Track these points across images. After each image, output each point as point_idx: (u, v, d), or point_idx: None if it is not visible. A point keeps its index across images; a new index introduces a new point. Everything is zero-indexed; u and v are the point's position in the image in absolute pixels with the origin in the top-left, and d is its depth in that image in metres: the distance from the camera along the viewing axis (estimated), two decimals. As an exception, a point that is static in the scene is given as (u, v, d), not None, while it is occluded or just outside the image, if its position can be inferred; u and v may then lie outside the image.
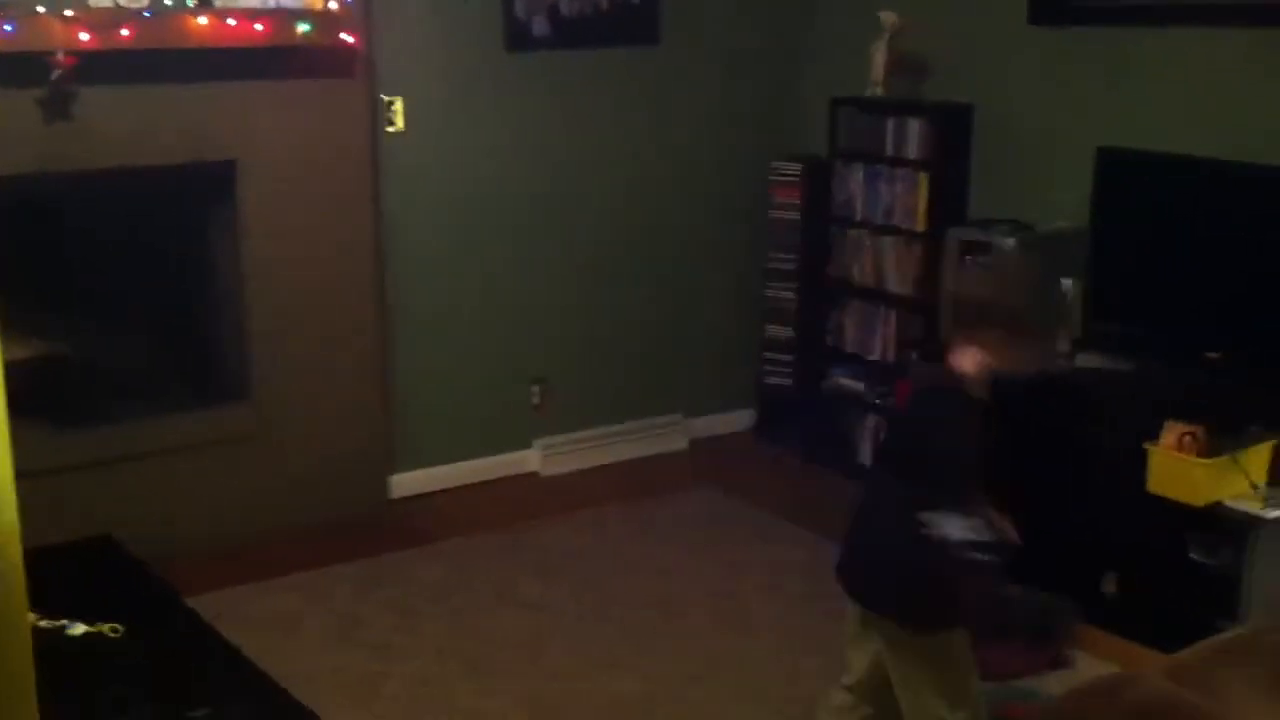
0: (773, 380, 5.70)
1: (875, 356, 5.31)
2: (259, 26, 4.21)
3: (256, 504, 4.61)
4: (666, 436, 5.63)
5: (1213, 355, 4.04)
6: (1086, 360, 4.34)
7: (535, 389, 5.33)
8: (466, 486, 5.16)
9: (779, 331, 5.65)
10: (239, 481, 4.60)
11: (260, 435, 4.63)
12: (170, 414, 4.57)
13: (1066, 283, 4.44)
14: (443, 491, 5.10)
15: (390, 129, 4.79)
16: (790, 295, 5.59)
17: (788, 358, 5.64)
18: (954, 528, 2.66)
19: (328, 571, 4.39)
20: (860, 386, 5.39)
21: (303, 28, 4.29)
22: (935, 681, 2.85)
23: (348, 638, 3.98)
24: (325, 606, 4.17)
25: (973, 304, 2.84)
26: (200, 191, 4.55)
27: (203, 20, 4.11)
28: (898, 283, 5.18)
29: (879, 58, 5.18)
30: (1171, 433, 3.90)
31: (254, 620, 3.92)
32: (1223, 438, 3.86)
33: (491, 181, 5.10)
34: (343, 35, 4.39)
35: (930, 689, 2.85)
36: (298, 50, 4.36)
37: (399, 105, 4.79)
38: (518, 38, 5.04)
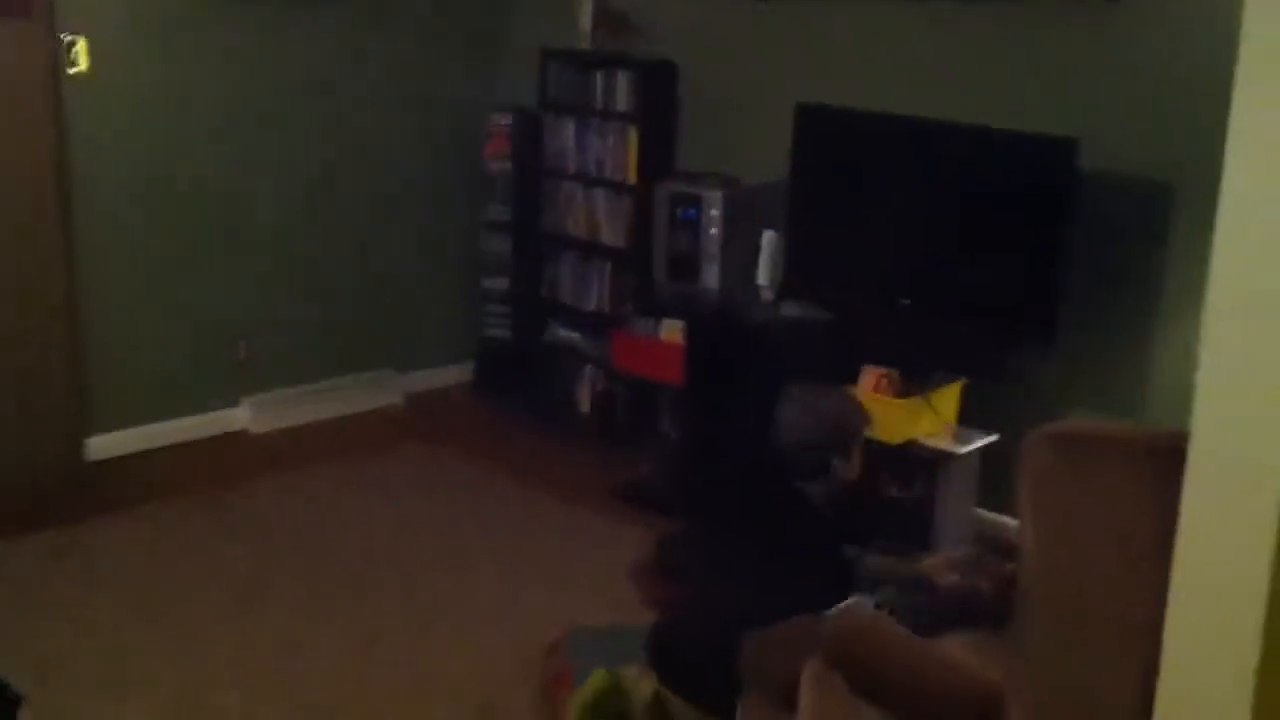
0: (491, 332, 5.67)
1: (591, 308, 5.35)
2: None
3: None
4: (381, 391, 5.54)
5: (904, 302, 4.26)
6: (787, 309, 4.51)
7: (242, 344, 5.14)
8: (172, 447, 4.94)
9: (496, 283, 5.62)
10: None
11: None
12: None
13: (769, 234, 4.60)
14: (146, 453, 4.87)
15: (72, 70, 4.49)
16: (506, 247, 5.57)
17: (505, 309, 5.63)
18: None
19: (17, 540, 4.13)
20: (577, 337, 5.43)
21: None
22: None
23: (41, 612, 3.75)
24: (10, 576, 3.92)
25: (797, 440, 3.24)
26: None
27: None
28: (610, 235, 5.24)
29: (585, 10, 5.20)
30: (869, 376, 4.10)
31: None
32: (915, 380, 4.09)
33: (187, 128, 4.86)
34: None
35: None
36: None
37: (82, 45, 4.49)
38: (214, -23, 4.81)
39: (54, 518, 4.29)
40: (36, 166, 4.41)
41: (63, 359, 4.58)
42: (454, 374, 5.81)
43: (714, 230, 4.71)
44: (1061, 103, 4.10)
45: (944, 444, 4.10)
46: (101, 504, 4.43)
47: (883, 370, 4.09)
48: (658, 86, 5.10)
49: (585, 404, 5.44)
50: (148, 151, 4.77)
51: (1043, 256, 3.97)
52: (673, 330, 4.88)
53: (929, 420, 4.09)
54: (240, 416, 5.17)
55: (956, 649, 2.55)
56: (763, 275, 4.64)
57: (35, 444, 4.51)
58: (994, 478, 4.21)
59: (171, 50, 4.76)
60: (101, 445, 4.78)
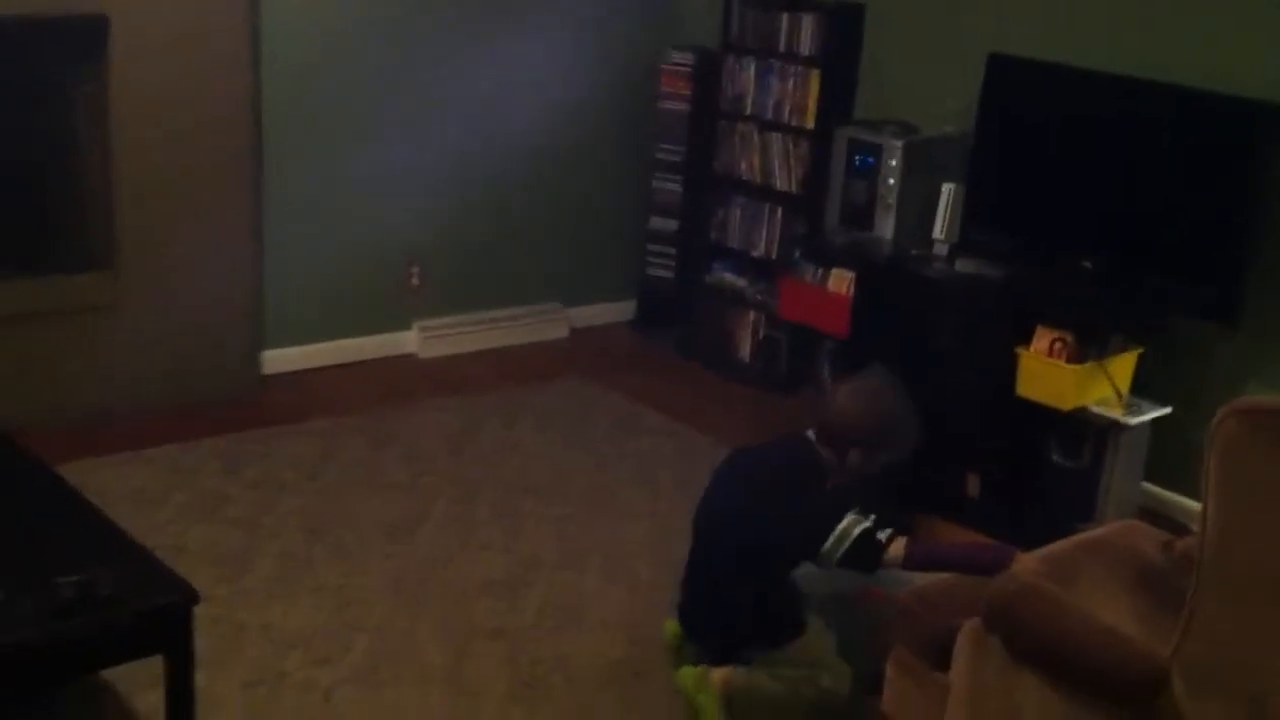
0: (655, 272, 5.69)
1: (759, 253, 5.32)
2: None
3: (119, 377, 4.47)
4: (546, 324, 5.61)
5: (1086, 264, 4.13)
6: (962, 265, 4.41)
7: (415, 270, 5.24)
8: (342, 366, 5.08)
9: (663, 224, 5.63)
10: (100, 353, 4.45)
11: (124, 305, 4.47)
12: (26, 278, 4.37)
13: (949, 186, 4.50)
14: (317, 370, 5.02)
15: (271, -13, 4.61)
16: (676, 188, 5.56)
17: (671, 250, 5.63)
18: None
19: (195, 446, 4.30)
20: (742, 283, 5.41)
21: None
22: None
23: (214, 514, 3.92)
24: (191, 482, 4.09)
25: (837, 421, 3.15)
26: (68, 47, 4.33)
27: None
28: (783, 180, 5.19)
29: (775, -51, 5.12)
30: (1043, 338, 4.00)
31: (116, 494, 3.82)
32: (1090, 345, 3.97)
33: (377, 59, 4.94)
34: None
35: None
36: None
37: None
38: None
39: (230, 427, 4.45)
40: (234, 87, 4.54)
41: (245, 275, 4.73)
42: (618, 311, 5.85)
43: (891, 180, 4.62)
44: (1267, 64, 3.90)
45: (1115, 413, 3.98)
46: (275, 417, 4.59)
47: (1057, 333, 3.98)
48: (843, 30, 5.01)
49: (746, 349, 5.42)
50: (337, 81, 4.87)
51: (1233, 225, 3.81)
52: (841, 280, 4.81)
53: (1102, 388, 3.97)
54: (409, 340, 5.29)
55: (1122, 618, 2.49)
56: (939, 229, 4.54)
57: (215, 355, 4.68)
58: (1164, 451, 4.09)
59: (362, -24, 4.85)
60: (276, 359, 4.94)
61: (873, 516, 2.98)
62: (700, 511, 3.22)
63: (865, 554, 2.96)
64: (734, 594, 3.08)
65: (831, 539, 2.94)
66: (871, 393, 3.17)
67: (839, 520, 2.95)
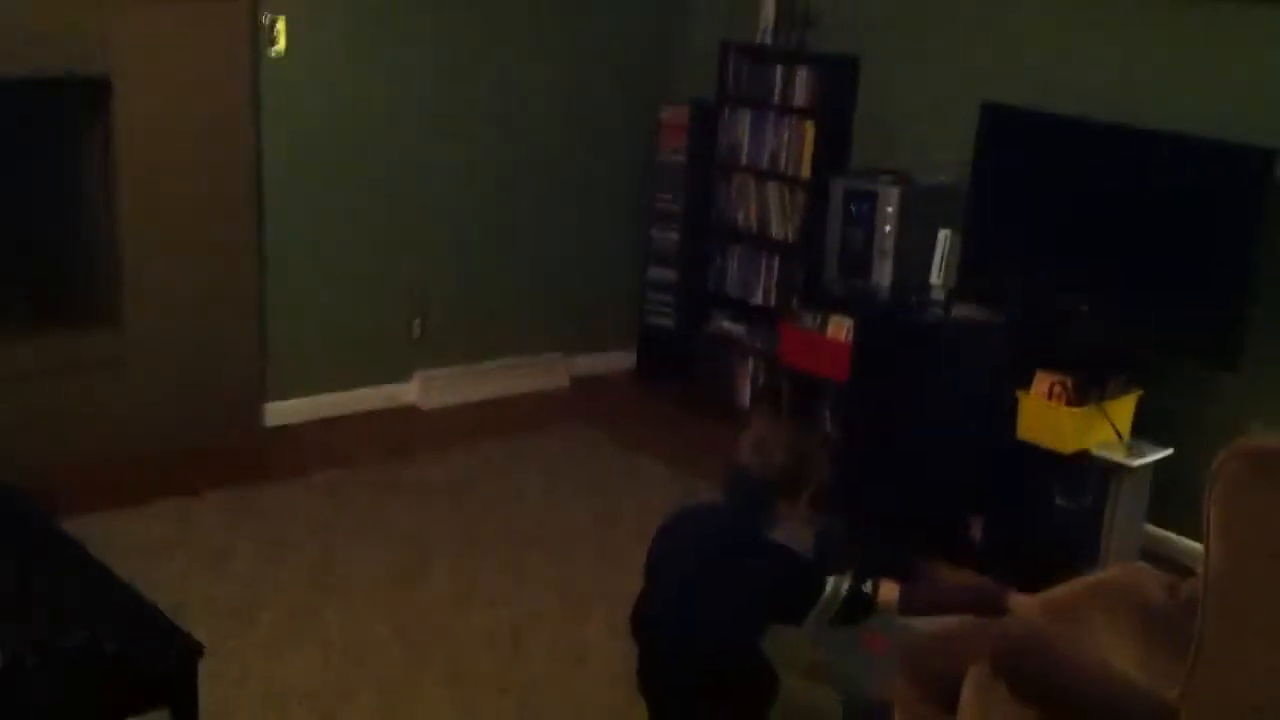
0: (655, 321, 5.72)
1: (757, 301, 5.35)
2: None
3: (125, 430, 4.49)
4: (548, 374, 5.63)
5: (1083, 308, 4.15)
6: (960, 311, 4.44)
7: (417, 322, 5.27)
8: (344, 417, 5.10)
9: (662, 273, 5.66)
10: (107, 407, 4.48)
11: (130, 360, 4.50)
12: (34, 337, 4.41)
13: (945, 233, 4.54)
14: (320, 422, 5.03)
15: (273, 49, 4.66)
16: (674, 237, 5.60)
17: (670, 299, 5.66)
18: None
19: (199, 500, 4.31)
20: (741, 330, 5.44)
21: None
22: None
23: (219, 568, 3.92)
24: (196, 536, 4.09)
25: (754, 479, 2.93)
26: (72, 107, 4.38)
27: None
28: (780, 229, 5.23)
29: (769, 4, 5.19)
30: (1042, 381, 4.01)
31: (121, 548, 3.78)
32: (1089, 388, 3.99)
33: (375, 111, 5.00)
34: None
35: None
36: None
37: (281, 25, 4.66)
38: (407, -37, 4.93)
39: (234, 479, 4.46)
40: (235, 143, 4.59)
41: (249, 330, 4.76)
42: (618, 360, 5.87)
43: (888, 227, 4.66)
44: (1260, 110, 3.95)
45: (1117, 456, 3.99)
46: (278, 469, 4.60)
47: (1057, 376, 4.00)
48: (837, 82, 5.07)
49: (745, 396, 5.44)
50: (336, 133, 4.92)
51: (1230, 268, 3.84)
52: (840, 326, 4.84)
53: (1103, 430, 3.99)
54: (411, 391, 5.30)
55: (1127, 661, 2.49)
56: (936, 275, 4.58)
57: (219, 408, 4.70)
58: (1166, 493, 4.09)
59: (361, 32, 4.90)
60: (279, 411, 4.96)
61: (849, 572, 2.91)
62: (649, 618, 2.99)
63: (858, 610, 2.89)
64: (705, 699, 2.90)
65: (817, 609, 2.85)
66: (766, 441, 2.97)
67: (823, 586, 2.85)
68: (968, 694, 2.58)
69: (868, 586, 2.90)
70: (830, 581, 2.86)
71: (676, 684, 2.93)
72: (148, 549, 3.94)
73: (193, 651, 2.66)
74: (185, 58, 4.40)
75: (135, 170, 4.39)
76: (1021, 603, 2.83)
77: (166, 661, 2.64)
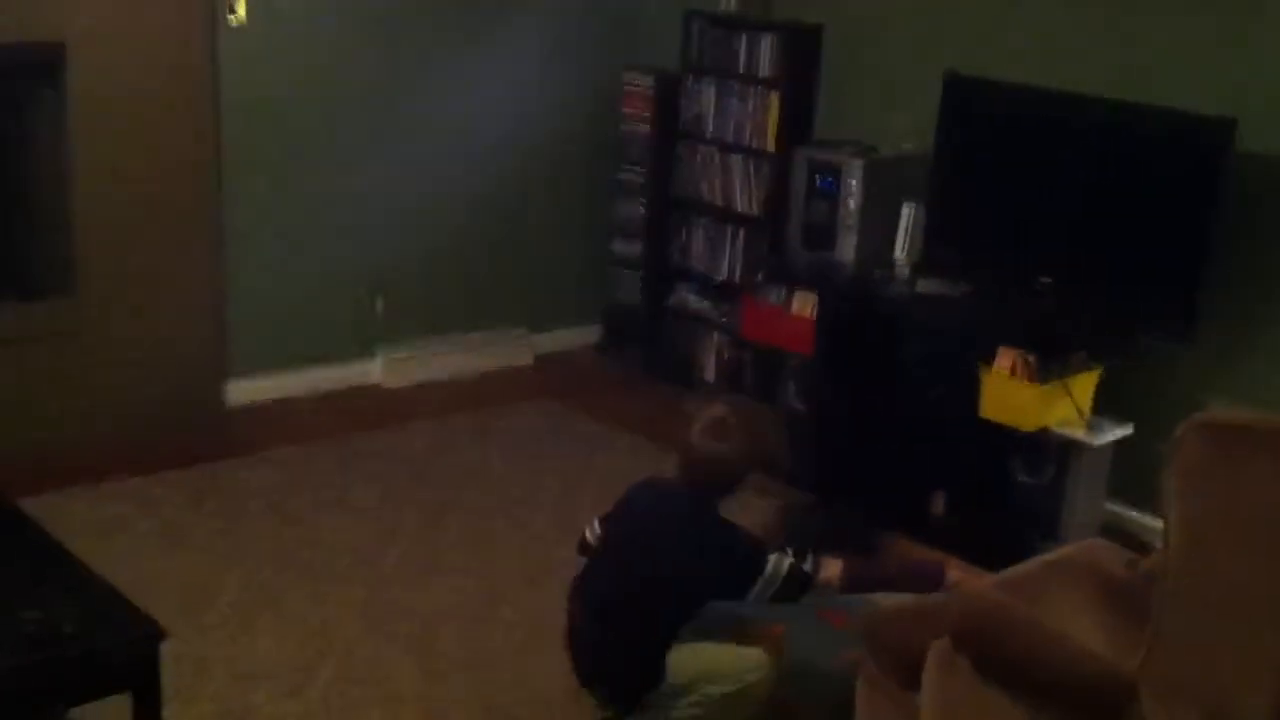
0: (620, 296, 5.69)
1: (722, 276, 5.34)
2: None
3: (81, 407, 4.43)
4: (512, 350, 5.60)
5: (1045, 280, 4.16)
6: (924, 285, 4.44)
7: (379, 299, 5.23)
8: (306, 396, 5.05)
9: (627, 247, 5.64)
10: (61, 381, 4.41)
11: (85, 332, 4.44)
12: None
13: (909, 206, 4.54)
14: (282, 401, 4.98)
15: (231, 18, 4.58)
16: (638, 211, 5.57)
17: (634, 274, 5.64)
18: None
19: (158, 478, 4.27)
20: (706, 305, 5.42)
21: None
22: None
23: (177, 544, 3.89)
24: (154, 513, 4.06)
25: (711, 467, 2.97)
26: (25, 73, 4.30)
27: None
28: (745, 202, 5.21)
29: (732, -29, 5.16)
30: (1005, 357, 4.02)
31: (78, 526, 3.75)
32: (1051, 364, 4.00)
33: (337, 82, 4.93)
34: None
35: None
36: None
37: (241, -5, 4.59)
38: (367, -67, 4.87)
39: (194, 459, 4.42)
40: (194, 114, 4.52)
41: (208, 303, 4.71)
42: (583, 335, 5.85)
43: (852, 201, 4.65)
44: (1222, 79, 3.96)
45: (1078, 433, 4.01)
46: (239, 448, 4.56)
47: (1019, 352, 4.01)
48: (802, 51, 5.04)
49: (711, 371, 5.43)
50: (297, 105, 4.86)
51: (1190, 240, 3.85)
52: (804, 301, 4.84)
53: (1064, 407, 4.00)
54: (374, 370, 5.27)
55: (1088, 636, 2.51)
56: (900, 249, 4.58)
57: (178, 385, 4.65)
58: (1127, 469, 4.12)
59: (324, 3, 4.83)
60: (240, 390, 4.91)
61: (790, 550, 2.95)
62: (593, 594, 3.05)
63: (795, 587, 2.94)
64: (642, 636, 2.96)
65: (760, 584, 2.89)
66: (724, 423, 2.96)
67: (763, 565, 2.89)
68: (930, 669, 2.59)
69: (808, 564, 2.96)
70: (771, 560, 2.90)
71: (612, 654, 3.00)
72: (106, 528, 3.90)
73: (154, 634, 2.63)
74: (141, 24, 4.32)
75: (89, 139, 4.32)
76: (960, 579, 2.89)
77: (127, 644, 2.61)
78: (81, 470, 4.20)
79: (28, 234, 4.50)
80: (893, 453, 4.35)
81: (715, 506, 2.98)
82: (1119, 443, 4.07)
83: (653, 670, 2.96)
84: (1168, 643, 2.20)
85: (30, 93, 4.35)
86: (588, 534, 3.24)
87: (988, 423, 4.05)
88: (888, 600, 3.03)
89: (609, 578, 3.04)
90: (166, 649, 2.68)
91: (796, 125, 5.07)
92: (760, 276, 5.13)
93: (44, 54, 4.19)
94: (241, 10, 4.59)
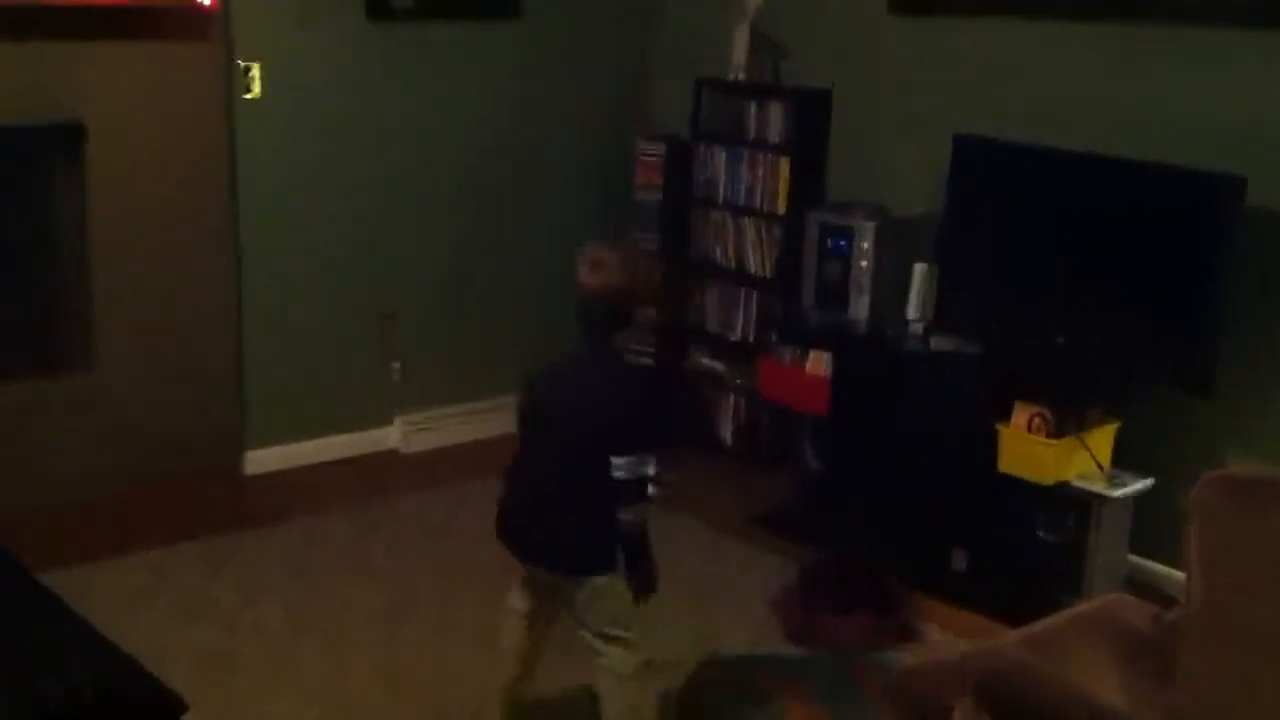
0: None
1: (736, 336, 5.36)
2: (110, -16, 4.08)
3: (100, 478, 4.46)
4: (528, 414, 5.60)
5: (1059, 340, 4.17)
6: (937, 343, 4.45)
7: (396, 366, 5.26)
8: (325, 464, 5.07)
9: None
10: (82, 453, 4.45)
11: (104, 404, 4.47)
12: (4, 381, 4.37)
13: (921, 266, 4.56)
14: (300, 468, 5.00)
15: (247, 95, 4.66)
16: (654, 275, 5.59)
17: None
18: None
19: (178, 548, 4.28)
20: (721, 366, 5.44)
21: (156, -13, 4.17)
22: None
23: (198, 614, 3.89)
24: (175, 583, 4.06)
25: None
26: (46, 153, 4.38)
27: (49, -25, 3.97)
28: (757, 264, 5.24)
29: (741, 40, 5.22)
30: (1022, 414, 4.02)
31: (98, 598, 3.76)
32: (1068, 419, 3.99)
33: (351, 155, 5.00)
34: (198, -3, 4.28)
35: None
36: (150, 10, 4.22)
37: (256, 71, 4.66)
38: (379, 6, 4.94)
39: (213, 527, 4.44)
40: (210, 189, 4.60)
41: (227, 378, 4.75)
42: (598, 399, 5.85)
43: (864, 262, 4.67)
44: (1231, 138, 3.98)
45: (1098, 486, 4.00)
46: (258, 516, 4.57)
47: (1035, 408, 4.01)
48: (811, 116, 5.09)
49: (727, 431, 5.44)
50: (312, 179, 4.92)
51: (1204, 296, 3.86)
52: (819, 360, 4.85)
53: (1083, 461, 3.99)
54: (392, 435, 5.28)
55: (1111, 693, 2.49)
56: (913, 308, 4.59)
57: (197, 456, 4.68)
58: (1148, 522, 4.10)
59: (338, 74, 4.91)
60: (258, 459, 4.93)
61: (658, 471, 3.14)
62: (538, 406, 3.33)
63: (635, 496, 3.10)
64: (571, 488, 3.14)
65: (632, 459, 3.07)
66: (602, 261, 3.24)
67: (650, 449, 3.11)
68: (955, 728, 2.57)
69: (654, 491, 3.15)
70: (652, 459, 3.10)
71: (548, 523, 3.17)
72: (126, 599, 3.91)
73: (176, 708, 2.63)
74: (159, 101, 4.42)
75: (108, 213, 4.39)
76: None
77: (148, 716, 2.61)
78: (102, 541, 4.22)
79: (48, 307, 4.56)
80: (911, 510, 4.34)
81: (619, 348, 3.27)
82: (1141, 496, 4.05)
83: (591, 532, 3.09)
84: (1193, 695, 2.18)
85: (50, 169, 4.42)
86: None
87: (1007, 477, 4.04)
88: (913, 655, 3.02)
89: (536, 451, 3.28)
90: (187, 719, 2.67)
91: (807, 188, 5.11)
92: (775, 337, 5.14)
93: (64, 134, 4.27)
94: (257, 88, 4.67)
